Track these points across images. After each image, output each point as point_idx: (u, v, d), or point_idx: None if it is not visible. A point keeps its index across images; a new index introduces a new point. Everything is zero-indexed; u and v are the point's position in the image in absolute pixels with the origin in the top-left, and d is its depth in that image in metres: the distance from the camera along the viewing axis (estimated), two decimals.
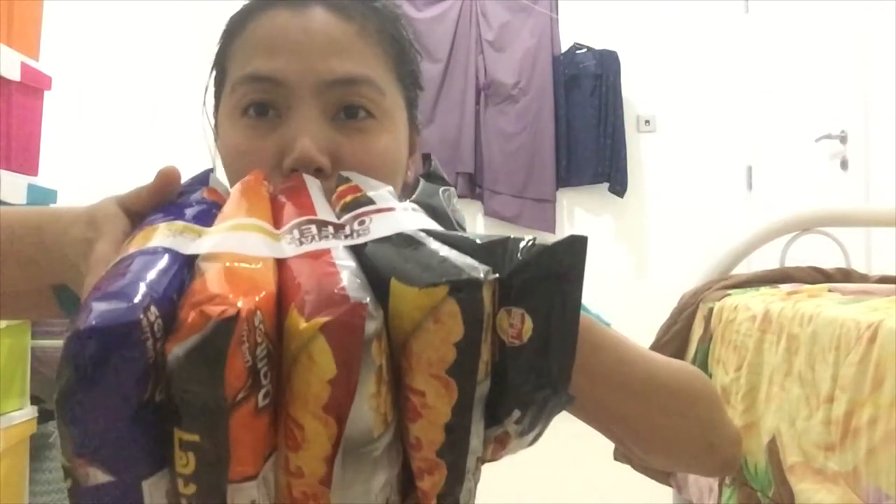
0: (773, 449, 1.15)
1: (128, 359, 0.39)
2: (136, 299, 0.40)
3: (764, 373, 1.24)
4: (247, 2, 0.66)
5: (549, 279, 0.45)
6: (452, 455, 0.44)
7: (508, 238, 0.46)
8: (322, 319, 0.40)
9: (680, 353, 1.61)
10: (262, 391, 0.40)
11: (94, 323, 0.38)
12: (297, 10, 0.62)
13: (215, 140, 0.69)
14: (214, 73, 0.68)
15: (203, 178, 0.58)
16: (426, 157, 0.70)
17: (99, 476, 0.39)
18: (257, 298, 0.40)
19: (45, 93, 1.64)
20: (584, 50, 3.86)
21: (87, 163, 2.84)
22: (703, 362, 1.50)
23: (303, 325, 0.40)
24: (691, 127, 3.86)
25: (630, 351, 0.61)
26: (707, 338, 1.50)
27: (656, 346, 1.64)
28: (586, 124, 3.83)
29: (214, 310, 0.38)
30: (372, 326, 0.41)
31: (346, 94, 0.61)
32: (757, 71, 3.60)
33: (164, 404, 0.40)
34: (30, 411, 1.61)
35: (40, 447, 1.74)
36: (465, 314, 0.42)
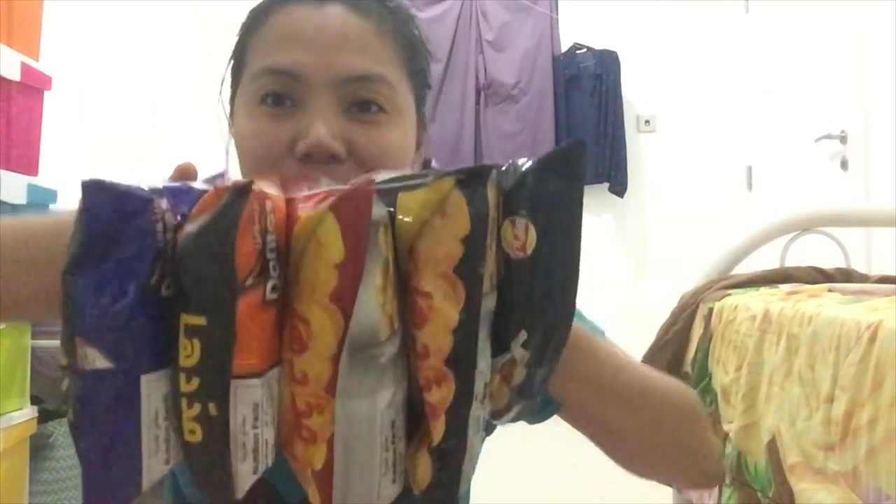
0: (773, 449, 1.15)
1: (139, 232, 0.39)
2: (148, 188, 0.41)
3: (764, 373, 1.24)
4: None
5: (549, 184, 0.46)
6: (460, 365, 0.44)
7: (511, 160, 0.48)
8: (331, 200, 0.41)
9: (680, 353, 1.61)
10: (271, 283, 0.41)
11: (108, 186, 0.39)
12: (317, 6, 0.63)
13: (230, 128, 0.71)
14: (231, 63, 0.70)
15: (216, 179, 0.60)
16: (426, 163, 0.71)
17: (97, 360, 0.39)
18: (269, 195, 0.42)
19: (45, 93, 1.64)
20: (584, 50, 3.86)
21: (87, 163, 2.84)
22: (703, 362, 1.50)
23: (312, 211, 0.41)
24: (691, 127, 3.86)
25: (625, 363, 0.62)
26: (707, 338, 1.50)
27: (656, 346, 1.64)
28: (586, 124, 3.83)
29: (227, 186, 0.40)
30: (379, 211, 0.42)
31: (361, 89, 0.63)
32: (757, 71, 3.60)
33: (171, 299, 0.40)
34: (30, 411, 1.61)
35: (40, 447, 1.74)
36: (472, 207, 0.43)
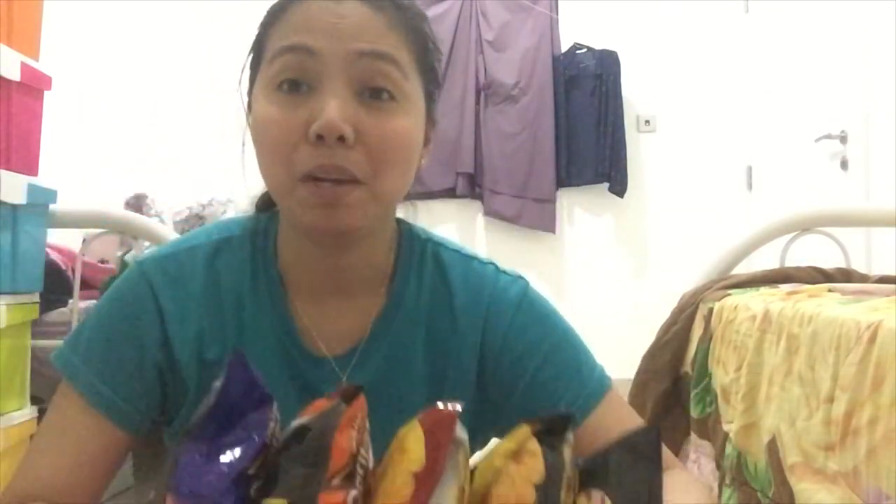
0: (773, 449, 1.15)
1: (258, 420, 0.43)
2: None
3: (764, 373, 1.24)
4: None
5: (627, 464, 0.47)
6: None
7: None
8: (420, 415, 0.43)
9: (680, 353, 1.60)
10: (353, 495, 0.41)
11: (250, 369, 0.44)
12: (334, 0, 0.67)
13: (247, 117, 0.73)
14: (251, 57, 0.73)
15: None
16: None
17: None
18: None
19: (45, 93, 1.64)
20: (584, 50, 3.86)
21: (87, 163, 2.84)
22: (703, 362, 1.49)
23: (404, 425, 0.43)
24: (691, 127, 3.86)
25: None
26: (707, 338, 1.50)
27: (656, 346, 1.64)
28: (586, 124, 3.83)
29: (337, 392, 0.43)
30: (461, 433, 0.43)
31: (373, 69, 0.66)
32: (757, 71, 3.60)
33: (260, 489, 0.42)
34: (30, 411, 1.61)
35: None
36: (548, 458, 0.43)
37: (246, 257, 0.76)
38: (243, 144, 0.73)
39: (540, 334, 0.76)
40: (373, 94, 0.66)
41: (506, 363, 0.75)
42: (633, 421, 0.74)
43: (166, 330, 0.72)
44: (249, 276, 0.75)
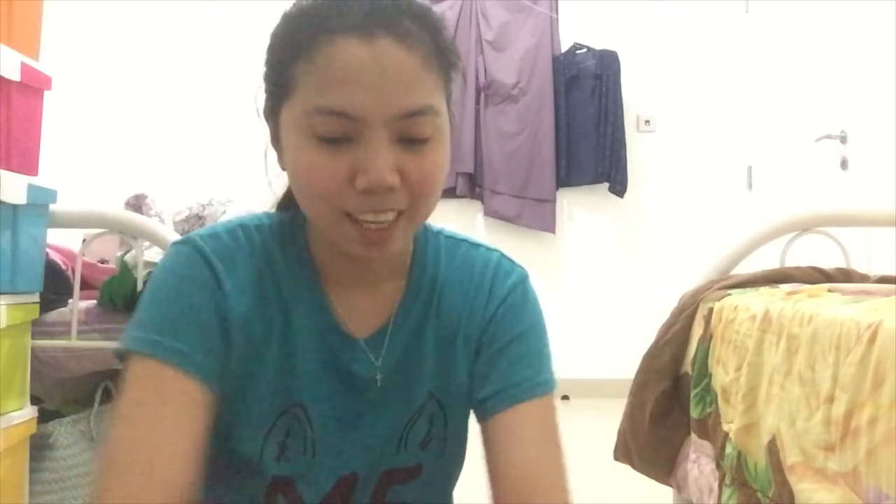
0: (773, 449, 1.15)
1: None
2: None
3: (764, 373, 1.24)
4: (300, 12, 0.69)
5: None
6: None
7: None
8: None
9: (680, 354, 1.61)
10: None
11: None
12: (366, 41, 0.65)
13: (272, 142, 0.74)
14: (271, 75, 0.72)
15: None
16: None
17: None
18: None
19: (45, 93, 1.64)
20: (584, 50, 3.86)
21: (87, 163, 2.84)
22: (703, 362, 1.49)
23: None
24: (691, 127, 3.86)
25: None
26: (707, 338, 1.50)
27: (656, 346, 1.64)
28: (586, 124, 3.83)
29: None
30: None
31: (413, 123, 0.68)
32: (757, 71, 3.60)
33: None
34: (30, 411, 1.61)
35: (40, 447, 1.74)
36: None
37: (279, 244, 0.78)
38: (265, 156, 0.75)
39: (520, 317, 0.82)
40: (413, 139, 0.68)
41: (487, 336, 0.81)
42: (546, 436, 0.77)
43: (223, 299, 0.73)
44: (283, 261, 0.78)
